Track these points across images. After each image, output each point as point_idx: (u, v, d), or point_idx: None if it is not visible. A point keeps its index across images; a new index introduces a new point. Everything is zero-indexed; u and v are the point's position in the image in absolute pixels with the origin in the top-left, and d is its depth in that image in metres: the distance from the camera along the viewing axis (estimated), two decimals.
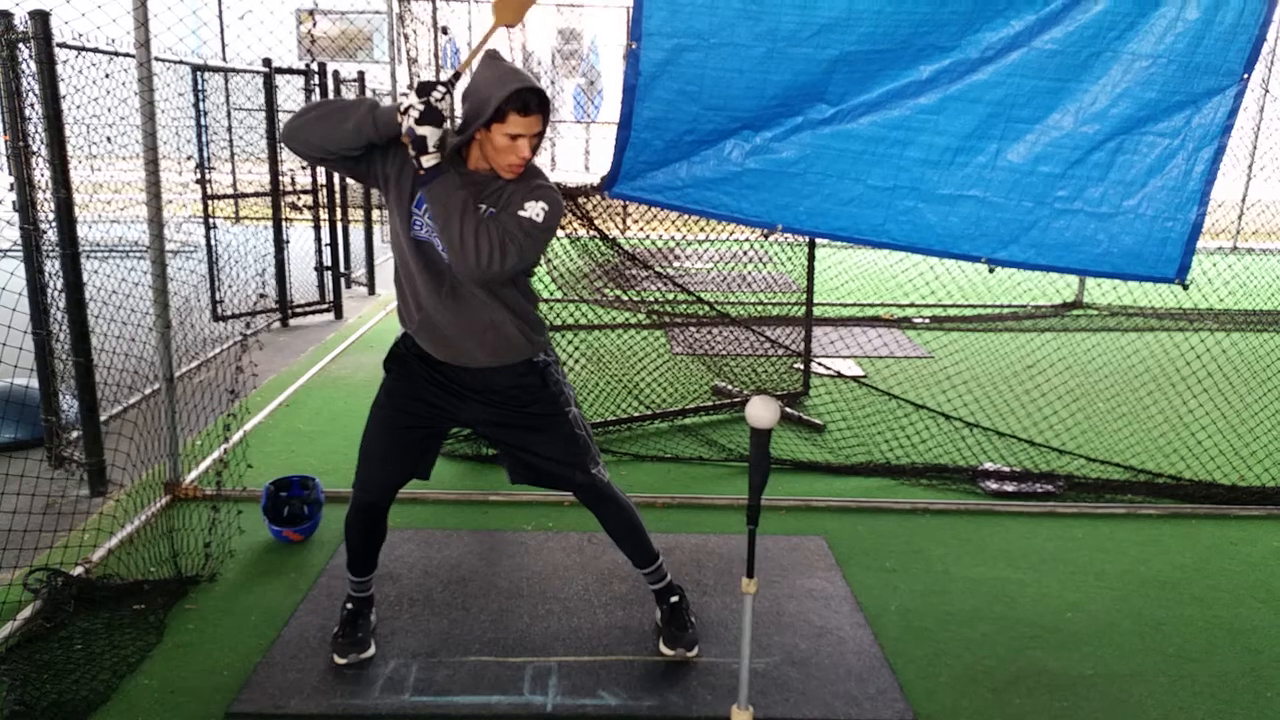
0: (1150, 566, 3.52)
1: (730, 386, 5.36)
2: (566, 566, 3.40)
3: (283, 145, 6.80)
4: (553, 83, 14.43)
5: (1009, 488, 4.19)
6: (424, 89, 2.33)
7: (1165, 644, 3.01)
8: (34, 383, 4.16)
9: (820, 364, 5.80)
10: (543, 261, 4.31)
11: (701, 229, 6.10)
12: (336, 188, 7.73)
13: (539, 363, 2.72)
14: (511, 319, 2.60)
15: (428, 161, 2.35)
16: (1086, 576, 3.44)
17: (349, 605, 2.88)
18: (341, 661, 2.77)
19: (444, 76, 2.46)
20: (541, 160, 2.60)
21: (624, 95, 3.27)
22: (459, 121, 2.50)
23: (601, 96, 15.15)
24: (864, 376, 5.93)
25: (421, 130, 2.31)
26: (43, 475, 3.71)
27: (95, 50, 4.35)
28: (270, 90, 6.87)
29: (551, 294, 5.26)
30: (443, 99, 2.34)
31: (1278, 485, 4.22)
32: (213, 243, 6.79)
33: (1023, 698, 2.72)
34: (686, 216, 3.86)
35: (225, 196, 7.67)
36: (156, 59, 3.72)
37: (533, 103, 2.39)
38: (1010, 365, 6.24)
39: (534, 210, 2.44)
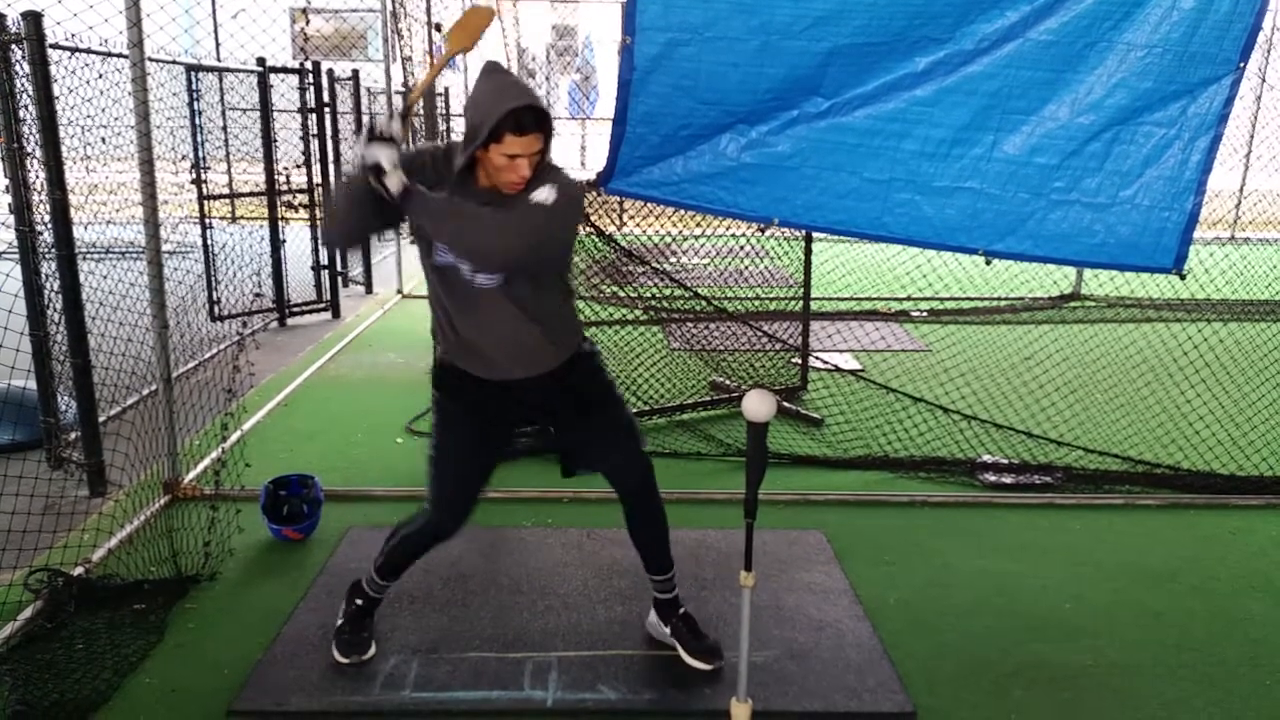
0: (1149, 557, 3.53)
1: (728, 381, 5.36)
2: (566, 562, 3.40)
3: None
4: (547, 79, 14.42)
5: (1007, 480, 4.19)
6: (371, 128, 2.29)
7: (1165, 634, 3.02)
8: (32, 384, 4.15)
9: (818, 358, 5.80)
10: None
11: (698, 224, 6.08)
12: (332, 187, 7.71)
13: (586, 352, 2.73)
14: (540, 330, 2.56)
15: (392, 185, 2.26)
16: (1085, 567, 3.44)
17: (359, 602, 2.87)
18: (344, 660, 2.77)
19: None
20: None
21: (619, 90, 3.26)
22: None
23: (596, 92, 15.14)
24: (861, 370, 5.93)
25: (373, 154, 2.25)
26: (42, 476, 3.70)
27: (89, 51, 4.34)
28: (265, 89, 6.86)
29: None
30: (389, 125, 2.27)
31: (1276, 475, 4.22)
32: (209, 243, 6.79)
33: (1023, 689, 2.73)
34: (682, 212, 3.86)
35: (221, 196, 7.66)
36: (150, 59, 3.71)
37: (529, 121, 2.29)
38: (1008, 357, 6.24)
39: (543, 195, 2.36)
